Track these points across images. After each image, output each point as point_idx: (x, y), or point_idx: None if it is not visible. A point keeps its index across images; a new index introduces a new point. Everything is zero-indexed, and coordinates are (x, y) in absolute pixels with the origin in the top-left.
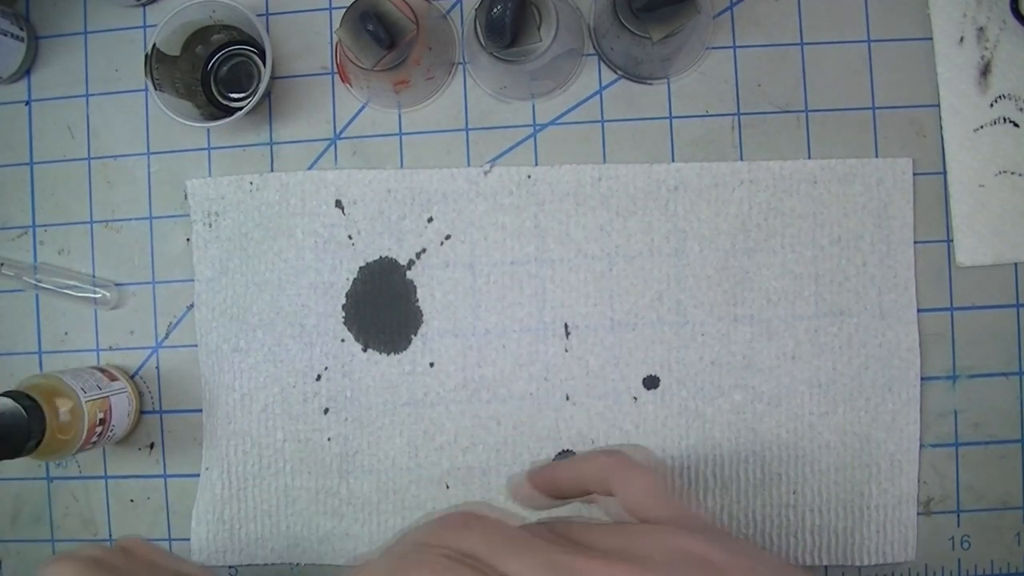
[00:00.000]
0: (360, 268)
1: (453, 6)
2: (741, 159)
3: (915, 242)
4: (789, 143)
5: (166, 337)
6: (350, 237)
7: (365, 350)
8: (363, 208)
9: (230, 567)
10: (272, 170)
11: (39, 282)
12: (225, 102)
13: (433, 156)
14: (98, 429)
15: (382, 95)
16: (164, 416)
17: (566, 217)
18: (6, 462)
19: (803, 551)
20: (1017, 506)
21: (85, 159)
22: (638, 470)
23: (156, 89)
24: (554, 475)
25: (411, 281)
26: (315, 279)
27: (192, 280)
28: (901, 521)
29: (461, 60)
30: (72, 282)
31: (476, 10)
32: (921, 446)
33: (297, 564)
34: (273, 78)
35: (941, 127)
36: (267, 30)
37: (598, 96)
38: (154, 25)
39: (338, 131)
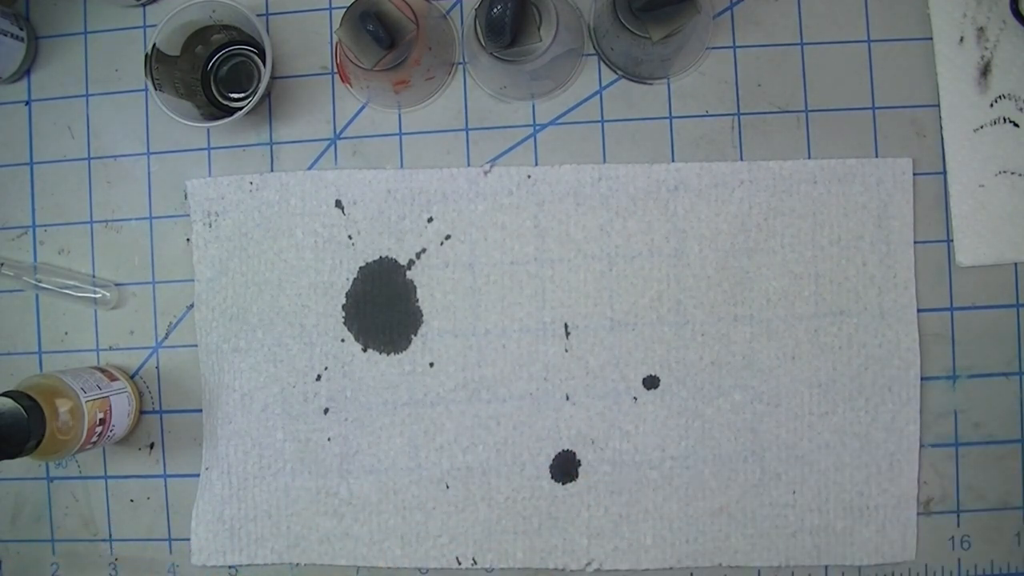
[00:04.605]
0: (360, 268)
1: (453, 6)
2: (741, 159)
3: (915, 242)
4: (789, 143)
5: (166, 337)
6: (350, 237)
7: (365, 350)
8: (363, 208)
9: (230, 567)
10: (272, 170)
11: (39, 282)
12: (225, 102)
13: (433, 156)
14: (98, 429)
15: (382, 95)
16: (164, 416)
17: (566, 217)
18: (6, 462)
19: (803, 551)
20: (1017, 506)
21: (85, 159)
22: None
23: (156, 89)
24: None
25: (411, 281)
26: (315, 279)
27: (192, 280)
28: (901, 521)
29: (461, 60)
30: (72, 282)
31: (476, 10)
32: (921, 446)
33: (297, 564)
34: (273, 78)
35: (941, 127)
36: (267, 30)
37: (598, 96)
38: (154, 25)
39: (338, 131)
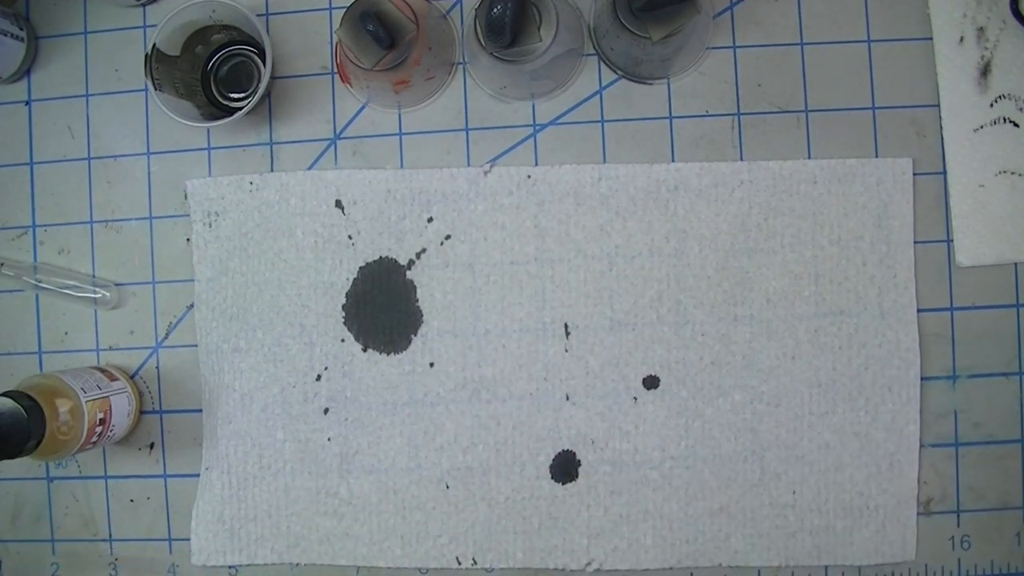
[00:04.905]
0: (360, 268)
1: (453, 6)
2: (741, 159)
3: (915, 242)
4: (789, 143)
5: (166, 337)
6: (350, 237)
7: (365, 350)
8: (363, 208)
9: (230, 567)
10: (272, 170)
11: (39, 282)
12: (225, 102)
13: (433, 156)
14: (98, 429)
15: (382, 95)
16: (164, 416)
17: (566, 217)
18: (6, 462)
19: (803, 551)
20: (1017, 506)
21: (85, 159)
22: None
23: (156, 89)
24: None
25: (411, 281)
26: (315, 279)
27: (192, 280)
28: (901, 521)
29: (461, 60)
30: (72, 282)
31: (476, 10)
32: (921, 446)
33: (297, 564)
34: (273, 78)
35: (941, 127)
36: (267, 30)
37: (598, 96)
38: (154, 25)
39: (338, 131)
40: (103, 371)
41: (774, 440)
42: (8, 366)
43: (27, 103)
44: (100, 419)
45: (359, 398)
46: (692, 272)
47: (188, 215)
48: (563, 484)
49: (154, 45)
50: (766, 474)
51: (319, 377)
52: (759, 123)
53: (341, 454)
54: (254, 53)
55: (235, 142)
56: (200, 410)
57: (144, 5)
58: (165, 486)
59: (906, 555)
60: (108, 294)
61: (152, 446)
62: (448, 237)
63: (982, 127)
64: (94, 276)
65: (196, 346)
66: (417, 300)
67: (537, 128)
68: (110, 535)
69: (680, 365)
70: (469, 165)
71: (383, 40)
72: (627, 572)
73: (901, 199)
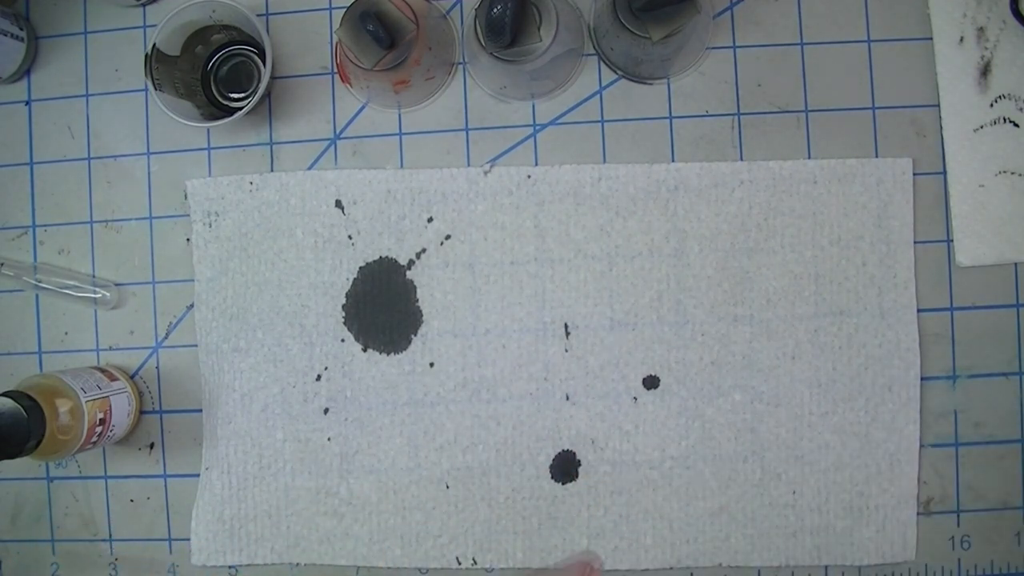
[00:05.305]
0: (360, 268)
1: (453, 6)
2: (741, 159)
3: (915, 242)
4: (789, 143)
5: (166, 337)
6: (350, 237)
7: (365, 350)
8: (363, 208)
9: (230, 567)
10: (272, 170)
11: (39, 282)
12: (225, 102)
13: (433, 156)
14: (98, 429)
15: (382, 95)
16: (164, 416)
17: (566, 217)
18: (6, 462)
19: (803, 551)
20: (1017, 506)
21: (85, 159)
22: None
23: (156, 89)
24: None
25: (411, 281)
26: (315, 279)
27: (192, 280)
28: (901, 521)
29: (461, 60)
30: (72, 282)
31: (476, 10)
32: (921, 446)
33: (297, 564)
34: (273, 78)
35: (941, 127)
36: (267, 30)
37: (598, 96)
38: (154, 25)
39: (338, 131)
40: (103, 371)
41: (774, 440)
42: (8, 366)
43: (27, 103)
44: (100, 419)
45: (359, 398)
46: (692, 272)
47: (188, 215)
48: (563, 484)
49: (154, 45)
50: (766, 474)
51: (319, 377)
52: (759, 123)
53: (341, 454)
54: (254, 53)
55: (235, 142)
56: (200, 410)
57: (144, 5)
58: (165, 486)
59: (906, 555)
60: (108, 294)
61: (152, 446)
62: (448, 237)
63: (982, 127)
64: (94, 276)
65: (196, 346)
66: (417, 300)
67: (537, 128)
68: (110, 535)
69: (680, 365)
70: (469, 165)
71: (383, 40)
72: (627, 572)
73: (901, 199)
